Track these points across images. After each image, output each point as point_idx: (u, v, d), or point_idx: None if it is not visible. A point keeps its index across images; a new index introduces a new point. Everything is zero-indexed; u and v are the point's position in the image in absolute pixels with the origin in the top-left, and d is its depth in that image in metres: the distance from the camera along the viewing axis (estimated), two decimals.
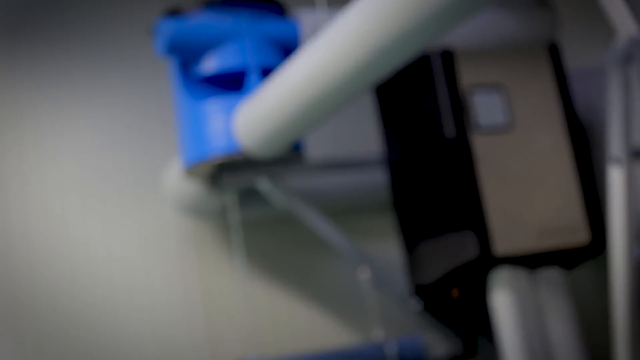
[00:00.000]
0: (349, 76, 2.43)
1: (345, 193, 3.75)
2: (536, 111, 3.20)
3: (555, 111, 3.23)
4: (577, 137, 3.21)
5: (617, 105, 2.33)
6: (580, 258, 3.23)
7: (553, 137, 3.19)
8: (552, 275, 3.16)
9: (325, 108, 2.64)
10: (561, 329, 3.10)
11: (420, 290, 3.35)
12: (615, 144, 2.34)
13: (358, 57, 2.33)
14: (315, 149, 3.81)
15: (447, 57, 3.13)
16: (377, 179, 3.55)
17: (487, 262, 3.07)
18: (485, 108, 3.13)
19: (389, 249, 3.84)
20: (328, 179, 3.67)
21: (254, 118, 2.89)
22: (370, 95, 3.46)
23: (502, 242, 3.03)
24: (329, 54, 2.44)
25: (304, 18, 3.16)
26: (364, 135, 3.94)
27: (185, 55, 3.11)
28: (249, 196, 3.41)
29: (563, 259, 3.19)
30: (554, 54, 3.28)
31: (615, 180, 2.34)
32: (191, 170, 3.15)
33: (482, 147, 3.09)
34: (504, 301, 3.08)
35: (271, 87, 2.79)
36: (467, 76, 3.13)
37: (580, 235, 3.11)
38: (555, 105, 3.23)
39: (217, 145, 3.06)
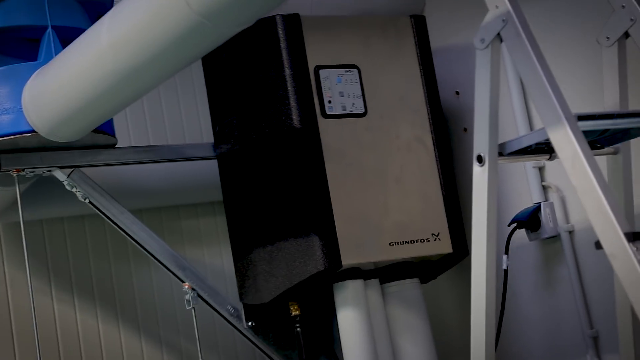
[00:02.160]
0: (169, 44, 2.16)
1: (168, 188, 3.53)
2: (396, 96, 3.03)
3: (418, 97, 3.06)
4: (440, 129, 3.07)
5: (483, 94, 2.18)
6: (439, 269, 3.12)
7: (414, 128, 3.03)
8: (405, 287, 3.03)
9: (131, 85, 2.35)
10: (412, 346, 2.98)
11: (252, 310, 3.14)
12: (479, 140, 2.19)
13: (184, 21, 2.07)
14: (130, 134, 3.61)
15: (294, 25, 2.91)
16: (208, 172, 3.32)
17: (332, 274, 2.89)
18: (337, 91, 2.94)
19: (222, 255, 3.69)
20: (148, 172, 3.44)
21: (46, 92, 2.58)
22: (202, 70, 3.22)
23: (350, 252, 2.85)
24: (147, 16, 2.16)
25: None
26: (190, 121, 3.75)
27: None
28: (50, 188, 3.14)
29: (419, 270, 3.06)
30: (420, 28, 3.12)
31: (478, 182, 2.19)
32: None
33: (331, 139, 2.89)
34: (348, 317, 2.93)
35: (67, 57, 2.49)
36: (315, 52, 2.92)
37: (439, 244, 2.98)
38: (418, 89, 3.07)
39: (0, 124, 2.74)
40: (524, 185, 3.12)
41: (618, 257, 1.89)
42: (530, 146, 2.25)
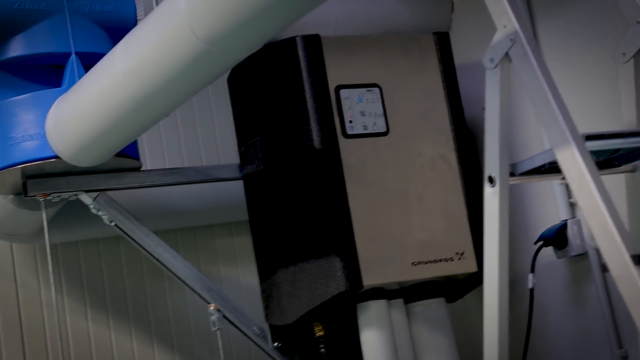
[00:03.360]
0: (178, 71, 2.21)
1: (195, 209, 3.58)
2: (418, 114, 3.04)
3: (441, 115, 3.07)
4: (464, 146, 3.07)
5: (493, 113, 2.19)
6: (465, 288, 3.11)
7: (437, 146, 3.04)
8: (431, 307, 3.03)
9: (146, 111, 2.41)
10: None
11: (278, 331, 3.17)
12: (489, 160, 2.19)
13: (191, 49, 2.12)
14: (156, 157, 3.68)
15: (314, 46, 2.94)
16: (234, 192, 3.37)
17: (355, 295, 2.91)
18: (358, 110, 2.96)
19: (249, 273, 3.73)
20: (175, 194, 3.50)
21: (67, 119, 2.65)
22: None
23: (372, 272, 2.86)
24: (156, 45, 2.21)
25: None
26: (214, 143, 3.81)
27: None
28: (77, 212, 3.21)
29: (445, 289, 3.06)
30: (443, 45, 3.13)
31: (489, 203, 2.20)
32: None
33: (352, 159, 2.91)
34: (372, 338, 2.94)
35: (85, 85, 2.55)
36: (336, 72, 2.95)
37: (464, 262, 2.98)
38: (441, 107, 3.08)
39: (25, 150, 2.81)
40: (551, 202, 3.11)
41: (624, 280, 1.89)
42: (543, 165, 2.25)
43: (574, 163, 1.97)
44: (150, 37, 2.17)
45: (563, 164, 2.00)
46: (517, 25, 2.10)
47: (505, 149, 2.19)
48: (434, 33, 3.11)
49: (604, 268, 1.94)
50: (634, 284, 1.87)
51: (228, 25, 1.99)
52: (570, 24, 2.91)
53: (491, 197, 2.21)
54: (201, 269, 3.76)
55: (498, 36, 2.15)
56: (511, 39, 2.11)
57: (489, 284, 2.24)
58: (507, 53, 2.13)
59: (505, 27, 2.13)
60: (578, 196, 1.98)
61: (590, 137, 2.05)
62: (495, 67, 2.17)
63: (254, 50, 2.14)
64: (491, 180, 2.20)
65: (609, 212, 1.91)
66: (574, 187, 1.98)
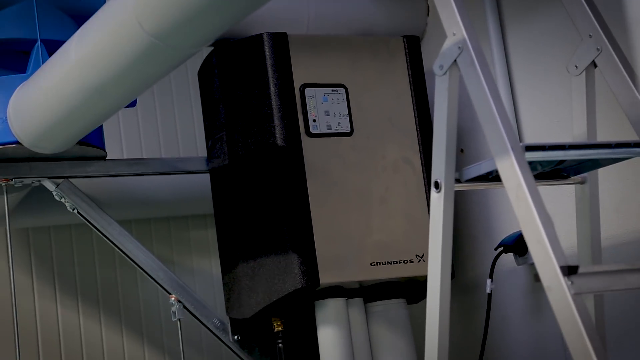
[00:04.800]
0: (127, 63, 2.23)
1: (169, 200, 3.61)
2: (384, 116, 3.06)
3: (407, 118, 3.09)
4: (429, 150, 3.07)
5: (441, 119, 2.20)
6: (426, 290, 3.12)
7: (402, 148, 3.05)
8: (390, 307, 3.05)
9: (99, 102, 2.43)
10: None
11: (239, 324, 3.20)
12: (436, 166, 2.21)
13: (138, 42, 2.13)
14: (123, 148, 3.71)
15: (280, 44, 2.96)
16: (203, 185, 3.39)
17: (312, 292, 2.93)
18: (323, 110, 2.98)
19: (216, 266, 3.76)
20: (151, 184, 3.53)
21: (26, 106, 2.67)
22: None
23: (330, 271, 2.88)
24: (105, 36, 2.23)
25: None
26: (184, 135, 3.83)
27: None
28: (47, 197, 3.24)
29: (405, 290, 3.08)
30: (413, 48, 3.14)
31: (434, 208, 2.22)
32: None
33: (314, 158, 2.93)
34: (329, 335, 2.96)
35: (43, 72, 2.57)
36: (302, 71, 2.97)
37: (424, 265, 2.97)
38: (408, 110, 3.09)
39: None
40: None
41: (553, 290, 1.90)
42: (490, 173, 2.26)
43: (512, 173, 1.99)
44: (101, 29, 2.20)
45: (502, 173, 2.02)
46: (465, 34, 2.12)
47: (451, 154, 2.20)
48: (404, 36, 3.13)
49: (536, 278, 1.95)
50: (562, 294, 1.88)
51: (175, 20, 2.01)
52: (538, 32, 2.93)
53: (436, 202, 2.23)
54: (174, 260, 3.81)
55: (447, 43, 2.16)
56: (459, 47, 2.12)
57: (432, 288, 2.26)
58: (455, 60, 2.14)
59: (454, 34, 2.14)
60: (515, 206, 1.99)
61: (530, 148, 2.06)
62: (444, 74, 2.18)
63: (203, 46, 2.16)
64: (437, 185, 2.21)
65: (542, 223, 1.92)
66: (511, 197, 2.00)
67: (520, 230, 3.01)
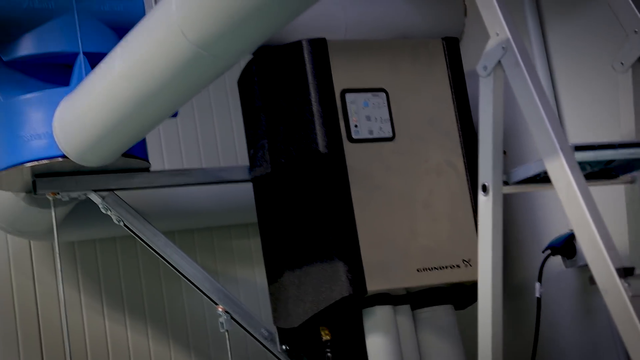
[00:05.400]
0: (172, 74, 2.23)
1: (212, 210, 3.62)
2: (426, 119, 3.04)
3: (449, 120, 3.07)
4: (472, 153, 3.06)
5: (487, 122, 2.18)
6: (473, 295, 3.08)
7: (445, 152, 3.03)
8: (438, 314, 3.02)
9: (145, 112, 2.44)
10: None
11: (286, 334, 3.19)
12: (483, 169, 2.19)
13: (182, 52, 2.14)
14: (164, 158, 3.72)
15: (320, 49, 2.95)
16: (250, 194, 3.39)
17: (359, 300, 2.92)
18: (365, 115, 2.96)
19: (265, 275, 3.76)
20: (192, 194, 3.54)
21: (71, 119, 2.69)
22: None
23: (377, 278, 2.86)
24: (149, 47, 2.24)
25: None
26: (224, 144, 3.84)
27: None
28: (93, 210, 3.26)
29: (452, 296, 3.06)
30: (452, 50, 3.12)
31: (483, 211, 2.19)
32: (2, 177, 2.95)
33: (357, 163, 2.91)
34: (377, 343, 2.94)
35: (88, 85, 2.59)
36: (342, 76, 2.96)
37: (471, 270, 2.97)
38: (449, 112, 3.07)
39: (33, 149, 2.85)
40: (561, 210, 3.08)
41: (610, 293, 1.88)
42: (538, 174, 2.24)
43: (562, 173, 1.96)
44: (144, 40, 2.21)
45: (552, 174, 2.00)
46: (509, 34, 2.10)
47: (498, 157, 2.18)
48: (443, 38, 3.11)
49: (591, 280, 1.92)
50: (619, 297, 1.85)
51: (219, 29, 2.01)
52: (580, 30, 2.90)
53: (485, 205, 2.20)
54: (218, 270, 3.82)
55: (491, 44, 2.14)
56: (503, 47, 2.10)
57: (483, 293, 2.24)
58: (499, 61, 2.12)
59: (497, 35, 2.12)
60: (566, 207, 1.97)
61: (579, 148, 2.03)
62: (489, 75, 2.17)
63: (247, 54, 2.17)
64: (485, 188, 2.19)
65: (595, 224, 1.90)
66: (562, 198, 1.98)
67: (567, 232, 2.99)
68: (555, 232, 3.10)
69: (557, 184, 1.98)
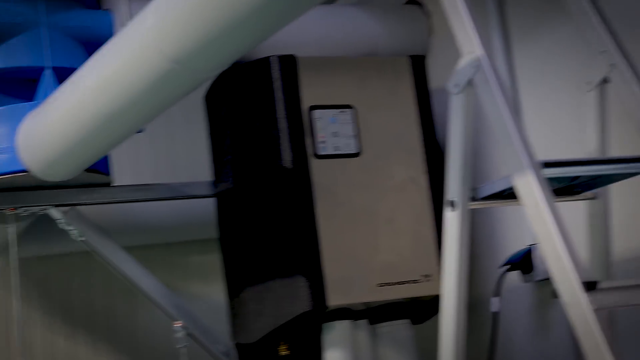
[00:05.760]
0: (145, 88, 2.25)
1: (169, 225, 3.62)
2: (391, 136, 3.09)
3: (413, 137, 3.12)
4: (435, 169, 3.11)
5: (456, 138, 2.24)
6: (431, 310, 3.14)
7: (408, 168, 3.08)
8: (396, 328, 3.07)
9: (114, 128, 2.44)
10: None
11: (244, 350, 3.20)
12: (451, 184, 2.24)
13: (158, 67, 2.16)
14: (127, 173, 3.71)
15: (289, 66, 2.99)
16: (209, 209, 3.41)
17: (320, 315, 2.95)
18: (331, 131, 3.00)
19: (222, 291, 3.77)
20: (151, 209, 3.54)
21: (36, 134, 2.68)
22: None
23: (338, 293, 2.90)
24: (124, 62, 2.25)
25: (120, 9, 3.00)
26: (189, 159, 3.84)
27: None
28: (50, 226, 3.24)
29: (411, 310, 3.10)
30: (418, 68, 3.18)
31: (450, 226, 2.24)
32: None
33: (322, 179, 2.95)
34: (336, 358, 2.97)
35: (54, 100, 2.58)
36: (310, 92, 2.99)
37: (430, 285, 3.01)
38: (414, 129, 3.13)
39: None
40: (520, 226, 3.15)
41: (573, 306, 1.93)
42: (504, 191, 2.29)
43: (530, 189, 2.02)
44: (118, 54, 2.22)
45: (520, 190, 2.05)
46: (481, 52, 2.15)
47: (466, 173, 2.23)
48: (410, 56, 3.17)
49: (554, 294, 1.98)
50: (582, 311, 1.90)
51: (195, 44, 2.03)
52: (545, 49, 2.97)
53: (452, 221, 2.25)
54: (175, 286, 3.81)
55: (463, 62, 2.20)
56: (475, 66, 2.15)
57: (447, 307, 2.28)
58: (470, 79, 2.18)
59: (470, 53, 2.18)
60: (533, 222, 2.02)
61: (548, 165, 2.09)
62: (460, 92, 2.22)
63: (222, 69, 2.18)
64: (452, 204, 2.24)
65: (561, 239, 1.95)
66: (529, 213, 2.03)
67: (526, 248, 3.06)
68: (510, 247, 3.17)
69: (526, 200, 2.03)
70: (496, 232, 3.26)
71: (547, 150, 3.01)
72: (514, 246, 3.15)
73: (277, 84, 2.96)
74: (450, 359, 2.24)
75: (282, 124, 2.94)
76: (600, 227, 2.42)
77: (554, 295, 1.96)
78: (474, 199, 2.28)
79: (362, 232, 2.97)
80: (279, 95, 2.96)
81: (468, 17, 2.21)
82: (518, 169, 2.05)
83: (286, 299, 2.92)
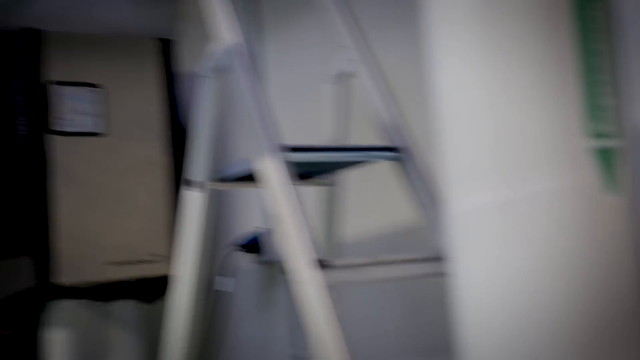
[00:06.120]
0: None
1: None
2: (135, 117, 3.11)
3: (157, 119, 3.16)
4: (177, 152, 3.17)
5: (203, 120, 2.30)
6: (160, 290, 3.19)
7: (150, 149, 3.12)
8: (123, 308, 3.10)
9: None
10: None
11: None
12: (193, 165, 2.30)
13: None
14: None
15: (32, 39, 2.93)
16: None
17: (45, 292, 2.92)
18: (73, 109, 2.98)
19: None
20: None
21: None
22: None
23: (68, 271, 2.89)
24: None
25: None
26: None
27: None
28: None
29: (140, 290, 3.14)
30: (166, 50, 3.22)
31: (188, 206, 2.30)
32: None
33: (62, 156, 2.92)
34: (58, 337, 2.97)
35: None
36: (56, 68, 2.95)
37: (158, 265, 3.07)
38: (157, 111, 3.17)
39: None
40: (251, 209, 3.27)
41: (306, 283, 2.04)
42: (246, 173, 2.37)
43: (272, 173, 2.11)
44: None
45: (262, 173, 2.14)
46: (233, 38, 2.22)
47: (209, 154, 2.30)
48: (158, 39, 3.20)
49: (282, 271, 2.08)
50: (315, 287, 2.02)
51: None
52: (295, 42, 3.09)
53: (192, 201, 2.31)
54: None
55: (217, 47, 2.25)
56: (228, 51, 2.22)
57: (180, 287, 2.33)
58: (223, 65, 2.24)
59: (222, 38, 2.24)
60: (273, 203, 2.12)
61: (289, 149, 2.19)
62: (211, 76, 2.28)
63: None
64: (193, 184, 2.30)
65: (298, 219, 2.05)
66: (269, 196, 2.12)
67: (255, 231, 3.18)
68: (235, 229, 3.28)
69: (267, 182, 2.13)
70: (235, 213, 3.36)
71: (290, 137, 3.14)
72: (238, 228, 3.26)
73: (19, 57, 2.91)
74: (181, 338, 2.29)
75: (20, 97, 2.90)
76: (335, 211, 2.56)
77: (282, 272, 2.05)
78: (216, 181, 2.35)
79: (99, 211, 2.99)
80: (19, 68, 2.91)
81: (224, 3, 2.28)
82: (261, 152, 2.14)
83: (11, 275, 2.87)
